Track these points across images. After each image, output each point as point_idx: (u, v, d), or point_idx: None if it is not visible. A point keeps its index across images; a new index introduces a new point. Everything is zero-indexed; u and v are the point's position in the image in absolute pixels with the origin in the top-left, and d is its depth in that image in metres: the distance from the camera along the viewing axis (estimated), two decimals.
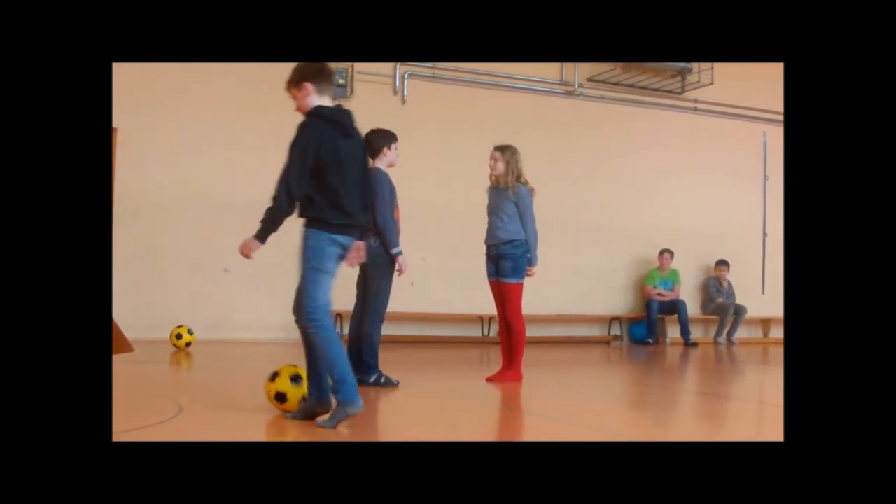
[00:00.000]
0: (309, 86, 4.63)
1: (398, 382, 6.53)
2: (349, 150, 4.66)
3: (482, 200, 7.43)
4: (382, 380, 6.49)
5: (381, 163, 6.66)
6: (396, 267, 6.62)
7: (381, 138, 6.69)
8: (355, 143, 4.75)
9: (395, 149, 6.73)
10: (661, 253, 13.37)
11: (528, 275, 7.16)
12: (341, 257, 4.76)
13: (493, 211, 7.19)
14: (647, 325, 13.15)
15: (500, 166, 7.11)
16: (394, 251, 6.55)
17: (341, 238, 4.65)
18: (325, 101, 4.68)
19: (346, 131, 4.68)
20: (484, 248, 7.33)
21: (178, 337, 9.50)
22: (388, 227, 6.51)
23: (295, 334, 12.24)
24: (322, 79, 4.68)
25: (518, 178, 7.09)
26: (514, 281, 7.05)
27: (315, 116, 4.61)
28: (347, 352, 6.73)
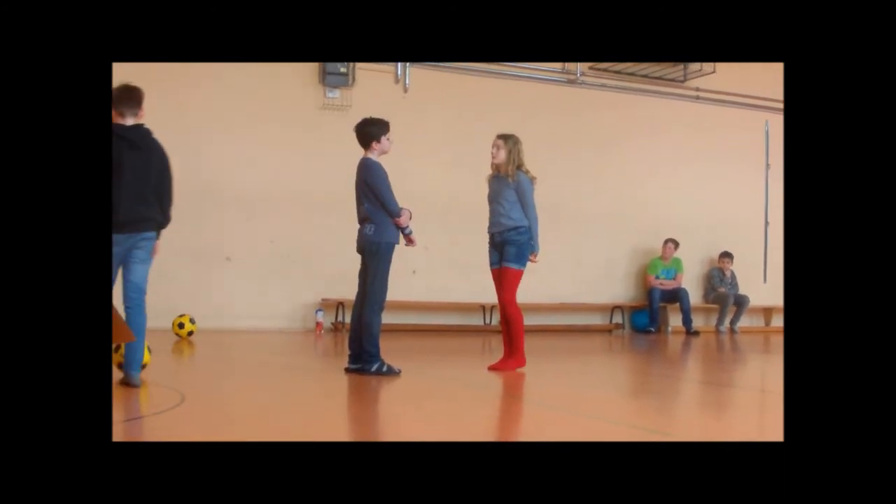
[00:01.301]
0: (113, 111, 5.49)
1: (400, 371, 6.55)
2: (131, 162, 5.48)
3: (485, 189, 7.42)
4: (384, 368, 6.50)
5: (372, 153, 6.67)
6: (409, 242, 6.78)
7: (375, 128, 6.69)
8: (143, 155, 5.58)
9: (388, 138, 6.73)
10: (666, 242, 13.38)
11: (531, 261, 7.17)
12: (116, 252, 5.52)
13: (494, 199, 7.19)
14: (649, 314, 13.17)
15: (502, 154, 7.11)
16: (406, 231, 6.70)
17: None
18: (128, 119, 5.59)
19: (133, 144, 5.52)
20: (486, 237, 7.33)
21: (181, 326, 9.54)
22: (397, 210, 6.60)
23: (296, 323, 12.25)
24: (120, 103, 5.56)
25: (519, 167, 7.09)
26: (516, 266, 7.04)
27: None
28: (349, 341, 6.78)
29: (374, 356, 6.52)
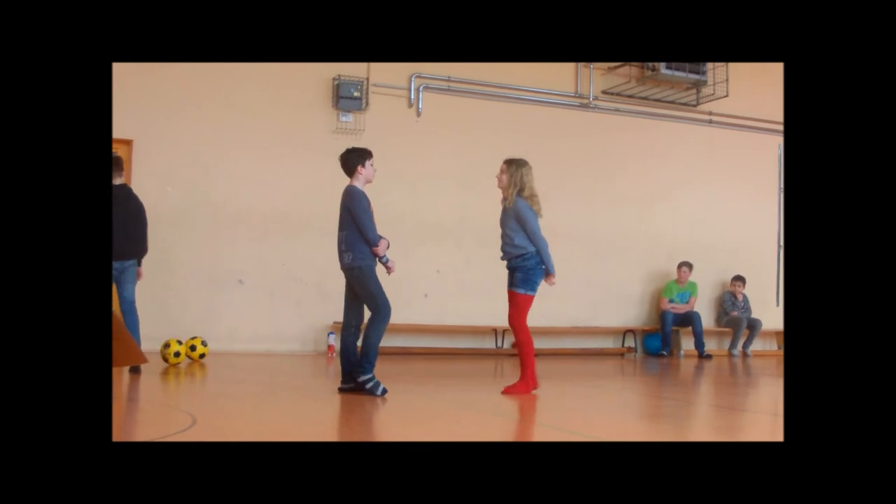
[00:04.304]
0: None
1: (384, 392, 6.58)
2: (117, 213, 7.40)
3: (496, 212, 7.41)
4: (371, 384, 6.53)
5: (357, 181, 6.73)
6: (388, 271, 6.81)
7: (356, 157, 6.79)
8: (125, 207, 8.00)
9: (371, 165, 6.79)
10: (680, 266, 13.34)
11: (549, 284, 7.13)
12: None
13: (502, 226, 7.16)
14: (662, 338, 13.12)
15: (504, 179, 7.06)
16: (382, 260, 6.73)
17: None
18: (115, 180, 7.94)
19: (118, 200, 7.79)
20: (497, 260, 7.34)
21: (192, 349, 9.55)
22: (375, 239, 6.64)
23: (308, 346, 12.24)
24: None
25: (521, 191, 7.03)
26: (522, 292, 7.01)
27: None
28: (341, 362, 6.81)
29: (368, 368, 6.55)
